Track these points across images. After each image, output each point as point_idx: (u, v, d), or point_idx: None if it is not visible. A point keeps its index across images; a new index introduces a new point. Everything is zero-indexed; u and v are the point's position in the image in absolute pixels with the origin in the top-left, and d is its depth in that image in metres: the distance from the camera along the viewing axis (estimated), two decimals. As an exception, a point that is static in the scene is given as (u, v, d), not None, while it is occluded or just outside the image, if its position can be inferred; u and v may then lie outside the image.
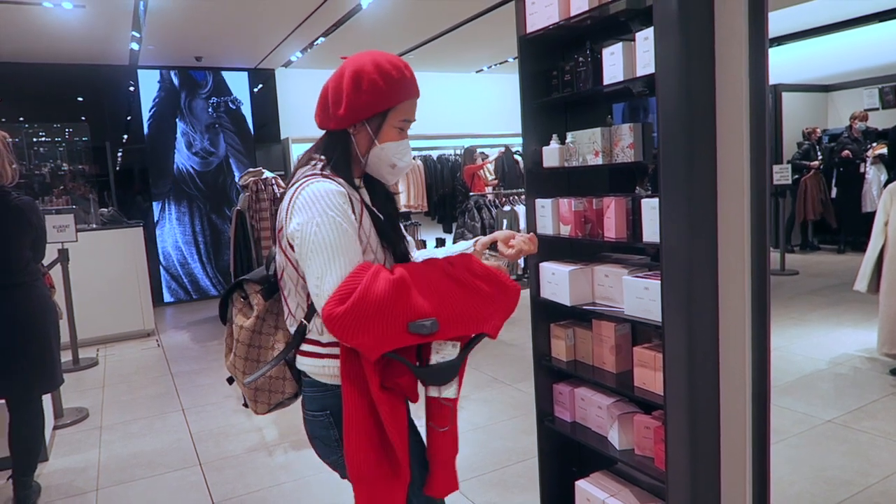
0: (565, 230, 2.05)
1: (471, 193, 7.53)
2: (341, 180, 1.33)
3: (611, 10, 1.84)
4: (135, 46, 6.56)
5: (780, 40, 8.85)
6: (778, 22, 7.64)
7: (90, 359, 5.37)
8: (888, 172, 8.00)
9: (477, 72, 9.28)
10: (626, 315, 1.83)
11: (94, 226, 6.26)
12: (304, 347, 1.37)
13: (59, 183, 7.62)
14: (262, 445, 3.50)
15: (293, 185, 1.33)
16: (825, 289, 6.59)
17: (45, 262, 3.07)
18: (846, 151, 8.29)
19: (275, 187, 6.67)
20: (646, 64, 1.67)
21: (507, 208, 7.43)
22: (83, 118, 7.75)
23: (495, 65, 8.89)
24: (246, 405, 1.52)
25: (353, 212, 1.30)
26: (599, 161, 1.89)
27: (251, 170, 6.79)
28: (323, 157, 1.39)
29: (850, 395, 3.77)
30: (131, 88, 7.66)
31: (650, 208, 1.71)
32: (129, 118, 7.78)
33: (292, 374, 1.43)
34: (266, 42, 6.87)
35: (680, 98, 1.60)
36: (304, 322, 1.34)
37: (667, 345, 1.65)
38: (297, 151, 8.01)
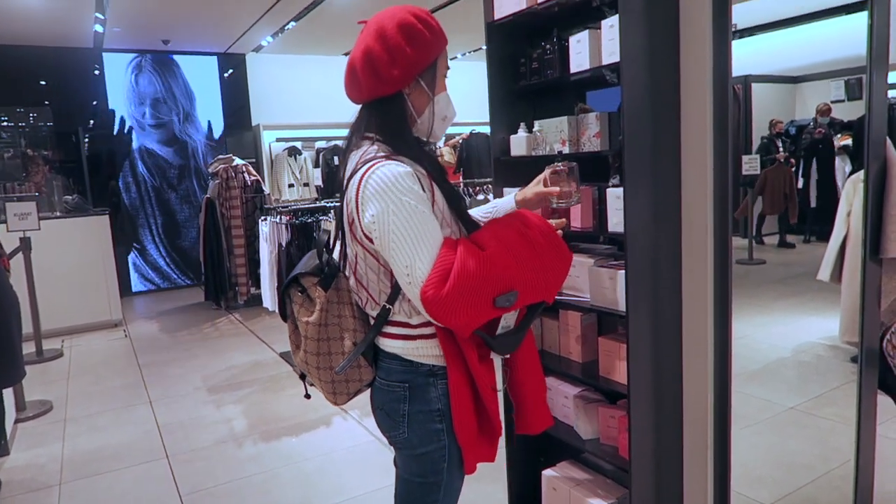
0: (532, 220, 2.05)
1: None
2: (404, 158, 1.29)
3: (578, -1, 1.83)
4: (99, 28, 6.38)
5: (750, 31, 8.96)
6: (747, 13, 7.72)
7: (55, 350, 5.25)
8: (852, 163, 8.17)
9: (451, 59, 9.22)
10: (591, 305, 1.84)
11: (58, 213, 6.10)
12: (391, 330, 1.36)
13: (20, 169, 7.39)
14: (230, 437, 3.46)
15: (355, 172, 1.28)
16: (790, 278, 6.73)
17: (7, 249, 2.99)
18: (820, 129, 8.28)
19: (245, 175, 6.58)
20: (611, 52, 1.67)
21: (480, 197, 7.42)
22: (46, 102, 7.52)
23: (470, 52, 8.85)
24: (308, 396, 1.52)
25: (424, 189, 1.27)
26: (566, 150, 1.89)
27: (221, 157, 6.68)
28: (377, 135, 1.33)
29: (813, 382, 3.86)
30: (96, 72, 7.46)
31: (615, 198, 1.71)
32: (94, 102, 7.57)
33: (367, 359, 1.40)
34: (236, 26, 6.73)
35: (644, 87, 1.60)
36: (388, 305, 1.33)
37: (630, 335, 1.66)
38: (268, 138, 7.89)
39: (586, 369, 1.97)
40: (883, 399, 2.14)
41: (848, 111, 8.75)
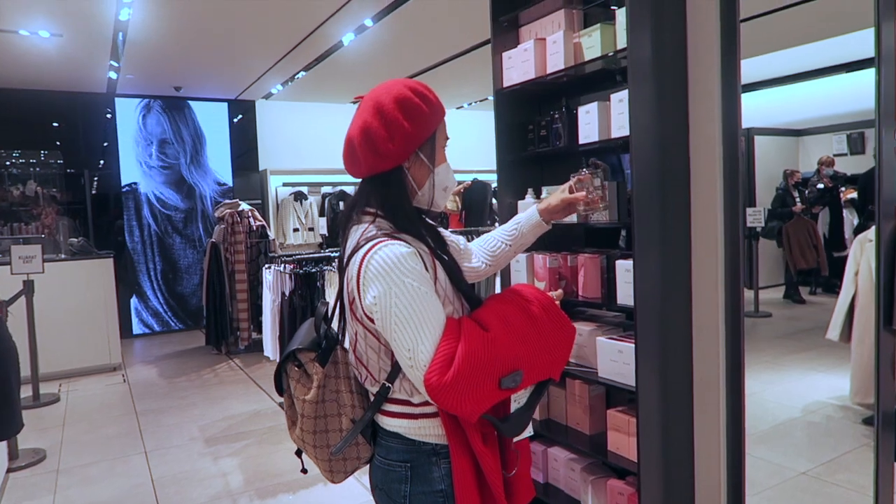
0: (540, 287, 2.03)
1: (449, 230, 7.53)
2: (406, 236, 1.28)
3: (586, 70, 1.85)
4: (113, 75, 6.51)
5: (754, 86, 9.10)
6: (750, 69, 7.86)
7: (52, 395, 5.18)
8: (859, 216, 8.17)
9: (457, 108, 9.37)
10: (600, 378, 1.80)
11: (63, 256, 6.11)
12: (391, 408, 1.32)
13: (29, 210, 7.45)
14: (226, 493, 3.37)
15: (357, 250, 1.26)
16: (798, 332, 6.66)
17: (10, 294, 2.97)
18: (826, 179, 8.21)
19: (251, 219, 6.60)
20: (620, 126, 1.68)
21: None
22: (58, 143, 7.62)
23: (476, 102, 8.98)
24: (304, 471, 1.47)
25: (427, 268, 1.25)
26: (574, 219, 1.88)
27: (227, 201, 6.72)
28: (379, 210, 1.32)
29: (824, 445, 3.77)
30: (108, 116, 7.58)
31: (624, 270, 1.69)
32: (105, 144, 7.67)
33: (365, 437, 1.37)
34: (247, 75, 6.87)
35: (654, 161, 1.60)
36: (388, 384, 1.30)
37: (640, 412, 1.61)
38: (274, 183, 7.96)
39: (594, 441, 1.92)
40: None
41: (851, 165, 8.81)
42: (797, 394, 4.68)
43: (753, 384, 4.80)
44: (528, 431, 1.34)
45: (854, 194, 8.19)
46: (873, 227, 4.10)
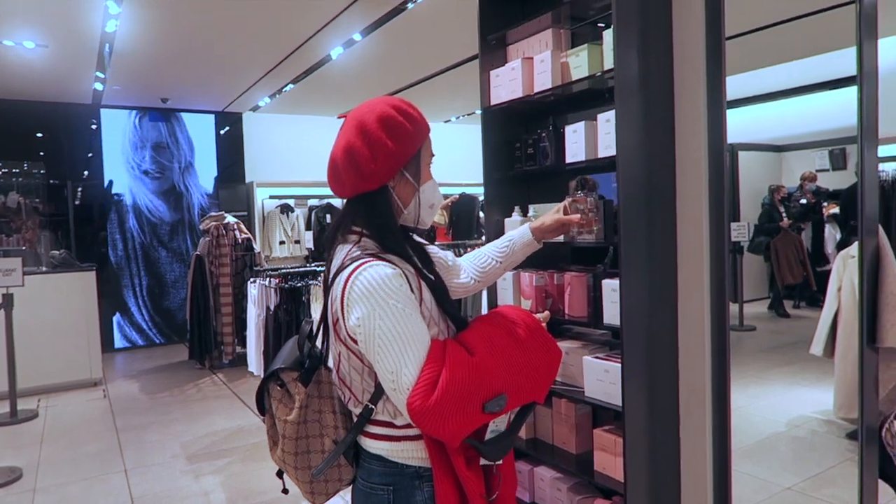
0: (526, 304, 2.02)
1: (435, 243, 7.52)
2: (392, 256, 1.26)
3: (574, 89, 1.86)
4: (99, 86, 6.46)
5: (737, 103, 9.22)
6: (734, 86, 7.95)
7: (30, 411, 5.07)
8: (841, 231, 8.26)
9: (445, 122, 9.40)
10: (586, 397, 1.79)
11: (44, 268, 6.02)
12: (374, 430, 1.30)
13: (10, 221, 7.34)
14: (208, 512, 3.31)
15: (341, 270, 1.24)
16: (782, 346, 6.71)
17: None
18: (808, 194, 8.27)
19: (237, 232, 6.56)
20: (607, 146, 1.68)
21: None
22: (42, 154, 7.54)
23: (463, 116, 9.02)
24: (286, 491, 1.45)
25: (412, 289, 1.24)
26: (561, 238, 1.88)
27: (213, 213, 6.67)
28: (364, 229, 1.31)
29: (809, 460, 3.78)
30: (93, 127, 7.51)
31: (611, 290, 1.69)
32: (90, 155, 7.60)
33: (347, 458, 1.34)
34: (234, 87, 6.85)
35: (641, 179, 1.61)
36: (371, 405, 1.27)
37: (627, 433, 1.60)
38: (261, 195, 7.92)
39: (581, 461, 1.91)
40: (883, 487, 2.09)
41: (833, 180, 8.93)
42: (781, 408, 4.70)
43: (739, 398, 4.81)
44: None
45: (836, 209, 8.30)
46: (855, 243, 4.16)
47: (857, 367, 3.93)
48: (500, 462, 1.32)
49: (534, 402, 1.30)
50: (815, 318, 4.30)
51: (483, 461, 1.29)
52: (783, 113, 9.43)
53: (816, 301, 7.67)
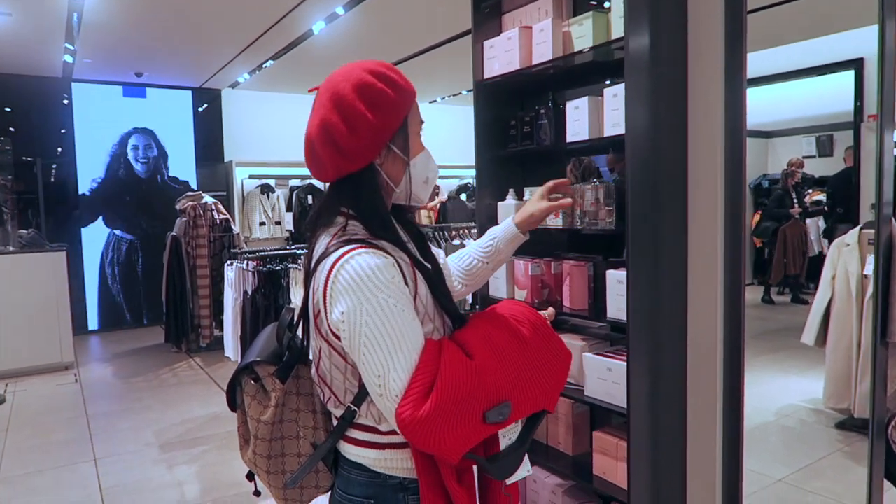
0: (521, 295, 1.88)
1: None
2: (384, 243, 1.10)
3: (576, 62, 1.71)
4: (69, 59, 6.16)
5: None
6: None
7: (-4, 396, 4.88)
8: (826, 220, 8.23)
9: (430, 102, 9.19)
10: (586, 397, 1.66)
11: (12, 248, 5.77)
12: (357, 435, 1.15)
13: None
14: (181, 506, 3.17)
15: (325, 257, 1.08)
16: (768, 333, 6.68)
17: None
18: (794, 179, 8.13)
19: (214, 213, 6.34)
20: (615, 123, 1.54)
21: (455, 242, 7.26)
22: (11, 129, 7.21)
23: (449, 96, 8.82)
24: (257, 493, 1.29)
25: (406, 281, 1.08)
26: (559, 223, 1.74)
27: (190, 193, 6.45)
28: (350, 210, 1.14)
29: (799, 451, 3.73)
30: (65, 101, 7.20)
31: (616, 282, 1.55)
32: (62, 131, 7.29)
33: (326, 464, 1.20)
34: (212, 62, 6.58)
35: (653, 162, 1.46)
36: (353, 407, 1.12)
37: (632, 437, 1.48)
38: (240, 175, 7.68)
39: (577, 463, 1.79)
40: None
41: (820, 166, 8.90)
42: (770, 396, 4.65)
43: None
44: (524, 471, 1.17)
45: (820, 196, 8.25)
46: (850, 231, 4.08)
47: (847, 357, 3.87)
48: (513, 479, 1.18)
49: (544, 410, 1.15)
50: (804, 306, 4.24)
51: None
52: (771, 98, 9.35)
53: (800, 288, 7.68)
